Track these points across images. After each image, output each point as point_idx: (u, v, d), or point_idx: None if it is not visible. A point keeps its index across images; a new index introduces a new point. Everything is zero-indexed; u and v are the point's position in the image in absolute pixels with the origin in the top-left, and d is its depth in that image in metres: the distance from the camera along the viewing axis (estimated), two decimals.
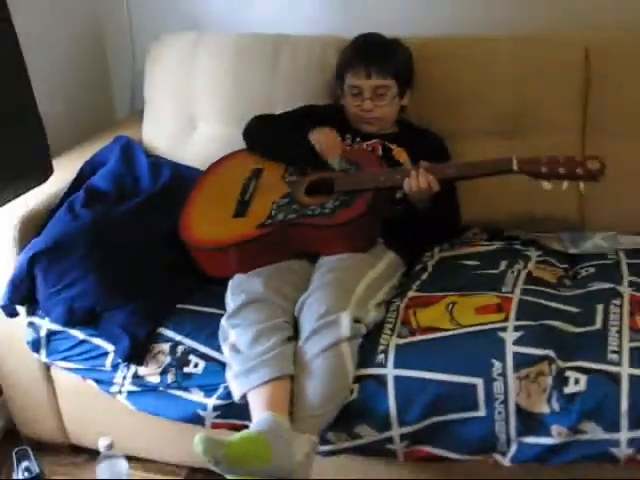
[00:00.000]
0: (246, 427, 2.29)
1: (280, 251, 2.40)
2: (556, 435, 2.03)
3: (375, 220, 2.43)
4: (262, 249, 2.39)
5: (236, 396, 2.16)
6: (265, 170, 2.59)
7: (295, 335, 2.21)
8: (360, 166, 2.48)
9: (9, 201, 2.34)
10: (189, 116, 2.98)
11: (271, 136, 2.64)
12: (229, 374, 2.19)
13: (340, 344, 2.12)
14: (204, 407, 2.29)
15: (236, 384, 2.16)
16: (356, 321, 2.16)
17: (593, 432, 2.01)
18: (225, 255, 2.41)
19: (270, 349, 2.14)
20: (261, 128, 2.69)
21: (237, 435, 2.01)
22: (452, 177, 2.42)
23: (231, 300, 2.29)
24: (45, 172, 2.44)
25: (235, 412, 2.25)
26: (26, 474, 2.32)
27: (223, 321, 2.26)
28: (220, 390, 2.26)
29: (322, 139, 2.48)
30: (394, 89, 2.62)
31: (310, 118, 2.66)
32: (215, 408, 2.28)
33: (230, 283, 2.36)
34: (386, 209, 2.46)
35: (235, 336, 2.21)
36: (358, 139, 2.65)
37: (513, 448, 2.09)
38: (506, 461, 2.11)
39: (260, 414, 2.07)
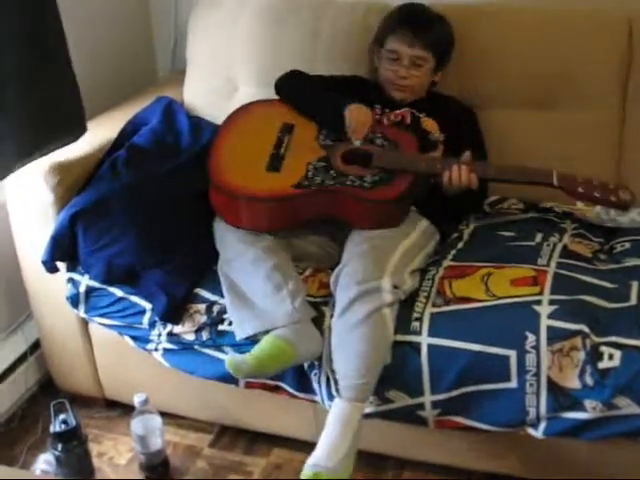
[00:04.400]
0: (279, 387, 2.34)
1: (305, 215, 2.40)
2: (590, 410, 2.05)
3: (409, 203, 2.44)
4: (291, 209, 2.39)
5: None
6: (297, 127, 2.57)
7: None
8: (399, 147, 2.47)
9: (43, 155, 2.38)
10: (230, 77, 2.97)
11: (308, 93, 2.62)
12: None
13: (383, 309, 2.15)
14: None
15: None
16: (394, 287, 2.18)
17: (627, 407, 2.03)
18: (252, 206, 2.39)
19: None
20: (299, 82, 2.67)
21: (258, 345, 2.18)
22: (491, 178, 2.43)
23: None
24: (79, 129, 2.48)
25: None
26: (63, 426, 2.38)
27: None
28: None
29: (354, 116, 2.46)
30: (431, 63, 2.61)
31: (342, 86, 2.66)
32: None
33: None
34: (419, 192, 2.46)
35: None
36: (387, 110, 2.64)
37: (545, 421, 2.11)
38: (538, 434, 2.13)
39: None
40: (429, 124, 2.63)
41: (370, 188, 2.35)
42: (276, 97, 2.71)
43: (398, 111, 2.64)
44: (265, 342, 2.18)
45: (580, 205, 2.52)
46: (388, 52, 2.63)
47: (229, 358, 2.18)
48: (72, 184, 2.53)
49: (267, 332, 2.22)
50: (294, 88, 2.67)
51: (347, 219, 2.38)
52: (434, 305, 2.21)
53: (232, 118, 2.65)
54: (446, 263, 2.36)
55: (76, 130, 2.48)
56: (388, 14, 2.72)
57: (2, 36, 2.16)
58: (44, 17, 2.29)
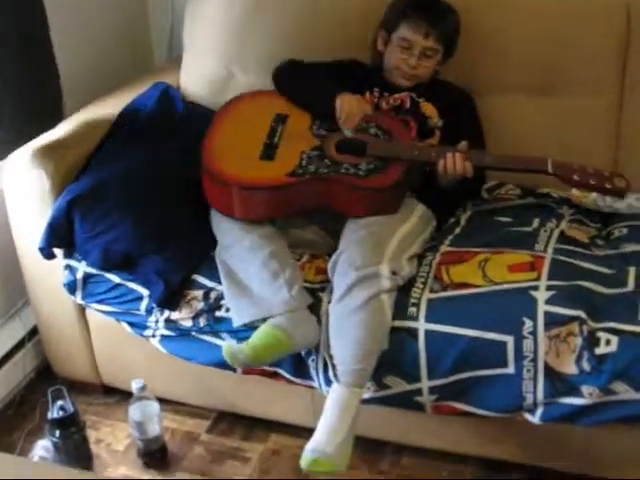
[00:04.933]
0: (276, 373, 2.35)
1: (300, 204, 2.40)
2: (587, 396, 2.05)
3: (403, 190, 2.43)
4: (285, 197, 2.39)
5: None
6: (290, 117, 2.56)
7: None
8: (392, 136, 2.47)
9: (23, 144, 2.38)
10: (227, 64, 2.96)
11: (302, 85, 2.62)
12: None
13: (381, 295, 2.15)
14: None
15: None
16: (392, 273, 2.18)
17: (624, 392, 2.04)
18: (245, 195, 2.38)
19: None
20: (293, 74, 2.67)
21: (254, 333, 2.18)
22: (487, 166, 2.44)
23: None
24: (57, 117, 2.48)
25: None
26: (61, 412, 2.39)
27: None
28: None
29: (345, 106, 2.45)
30: (440, 54, 2.61)
31: (339, 72, 2.65)
32: None
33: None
34: (414, 180, 2.47)
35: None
36: (386, 94, 2.64)
37: (542, 407, 2.12)
38: (535, 419, 2.14)
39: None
40: (428, 109, 2.63)
41: (364, 176, 2.35)
42: (271, 87, 2.71)
43: (397, 95, 2.63)
44: (262, 331, 2.19)
45: (576, 192, 2.52)
46: (400, 40, 2.60)
47: (226, 347, 2.18)
48: (69, 171, 2.52)
49: (264, 319, 2.23)
50: (289, 79, 2.66)
51: (342, 209, 2.38)
52: (431, 291, 2.21)
53: (226, 107, 2.65)
54: (443, 249, 2.37)
55: (54, 117, 2.48)
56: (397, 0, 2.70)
57: None
58: (26, 5, 2.28)
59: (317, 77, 2.62)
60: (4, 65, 2.25)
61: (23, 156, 2.45)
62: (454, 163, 2.33)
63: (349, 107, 2.46)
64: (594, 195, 2.53)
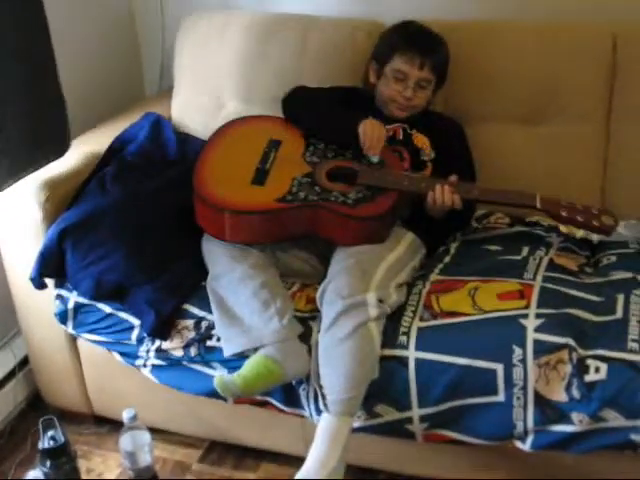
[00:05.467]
0: (267, 402, 2.35)
1: (289, 230, 2.40)
2: (578, 423, 2.05)
3: (392, 220, 2.45)
4: (274, 223, 2.39)
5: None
6: (283, 143, 2.57)
7: None
8: (385, 166, 2.48)
9: (30, 173, 2.39)
10: (218, 94, 2.99)
11: (318, 112, 2.61)
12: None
13: (368, 323, 2.16)
14: None
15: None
16: (380, 301, 2.19)
17: (614, 420, 2.04)
18: (236, 219, 2.38)
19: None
20: (307, 100, 2.66)
21: (245, 364, 2.19)
22: (475, 199, 2.46)
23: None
24: (63, 146, 2.49)
25: None
26: (52, 442, 2.36)
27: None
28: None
29: (368, 131, 2.44)
30: (433, 84, 2.63)
31: (344, 98, 2.67)
32: None
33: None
34: (404, 210, 2.48)
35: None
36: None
37: (532, 434, 2.12)
38: (526, 447, 2.14)
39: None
40: (420, 141, 2.65)
41: (353, 205, 2.36)
42: (261, 113, 2.74)
43: (389, 126, 2.64)
44: (253, 362, 2.19)
45: (563, 227, 2.54)
46: (394, 72, 2.61)
47: (217, 378, 2.19)
48: (61, 200, 2.54)
49: (255, 349, 2.23)
50: (301, 107, 2.65)
51: (330, 236, 2.39)
52: (421, 319, 2.22)
53: (219, 132, 2.66)
54: (433, 277, 2.38)
55: (61, 147, 2.49)
56: (388, 31, 2.73)
57: None
58: (33, 34, 2.30)
59: (333, 104, 2.62)
60: (11, 96, 2.27)
61: (15, 186, 2.46)
62: (442, 195, 2.35)
63: (372, 132, 2.45)
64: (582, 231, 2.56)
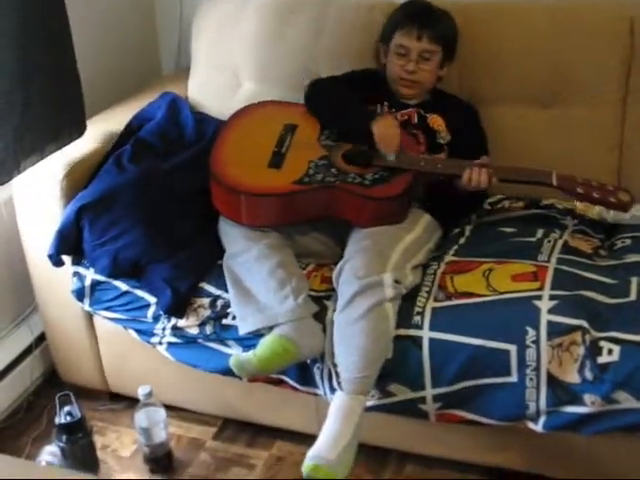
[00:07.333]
0: (282, 381, 2.36)
1: (306, 213, 2.42)
2: (590, 404, 2.06)
3: (408, 201, 2.45)
4: (292, 205, 2.40)
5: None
6: (299, 127, 2.59)
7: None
8: (401, 148, 2.46)
9: (52, 151, 2.42)
10: (234, 74, 2.99)
11: (333, 111, 2.60)
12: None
13: (384, 304, 2.17)
14: None
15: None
16: (396, 282, 2.20)
17: (626, 401, 2.05)
18: (252, 202, 2.40)
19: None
20: (324, 96, 2.66)
21: (260, 343, 2.21)
22: (499, 179, 2.44)
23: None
24: (81, 125, 2.51)
25: None
26: (68, 418, 2.40)
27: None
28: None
29: (383, 131, 2.45)
30: (439, 56, 2.63)
31: (360, 85, 2.67)
32: None
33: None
34: (419, 191, 2.49)
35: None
36: (394, 109, 2.65)
37: (545, 415, 2.13)
38: (538, 427, 2.15)
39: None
40: (437, 122, 2.65)
41: (370, 185, 2.37)
42: (278, 97, 2.78)
43: (404, 111, 2.65)
44: (268, 341, 2.21)
45: (580, 205, 2.55)
46: (396, 47, 2.64)
47: (233, 358, 2.21)
48: (78, 178, 2.55)
49: (270, 328, 2.25)
50: (318, 106, 2.65)
51: (347, 217, 2.40)
52: (436, 300, 2.23)
53: (236, 116, 2.67)
54: (448, 258, 2.38)
55: (78, 128, 2.52)
56: (393, 12, 2.74)
57: (7, 36, 2.20)
58: (51, 15, 2.32)
59: (348, 100, 2.61)
60: (35, 75, 2.30)
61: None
62: (479, 176, 2.35)
63: (387, 131, 2.46)
64: (598, 208, 2.55)
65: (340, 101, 2.61)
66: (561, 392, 2.10)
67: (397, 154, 2.43)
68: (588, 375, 2.05)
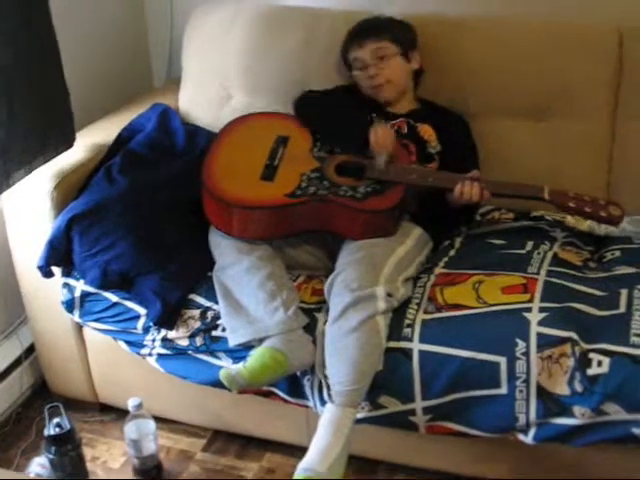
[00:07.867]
0: (272, 393, 2.36)
1: (298, 225, 2.42)
2: (579, 416, 2.07)
3: (400, 214, 2.46)
4: (284, 218, 2.41)
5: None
6: (291, 139, 2.59)
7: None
8: (393, 159, 2.47)
9: (40, 164, 2.42)
10: (225, 86, 2.99)
11: (326, 118, 2.62)
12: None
13: (376, 317, 2.17)
14: None
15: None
16: (388, 295, 2.21)
17: (616, 413, 2.05)
18: (244, 214, 2.40)
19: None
20: (315, 105, 2.69)
21: (250, 356, 2.20)
22: (492, 193, 2.45)
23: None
24: (70, 138, 2.51)
25: None
26: (57, 430, 2.39)
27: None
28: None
29: (379, 136, 2.46)
30: (392, 49, 2.65)
31: (350, 98, 2.70)
32: None
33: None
34: (411, 204, 2.49)
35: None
36: (383, 121, 2.64)
37: (535, 427, 2.13)
38: (528, 439, 2.15)
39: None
40: (427, 132, 2.66)
41: (363, 198, 2.37)
42: (270, 108, 2.77)
43: (394, 122, 2.66)
44: (259, 353, 2.20)
45: (570, 219, 2.56)
46: (353, 63, 2.70)
47: (224, 371, 2.19)
48: (69, 189, 2.55)
49: (260, 340, 2.25)
50: (310, 113, 2.67)
51: (339, 230, 2.40)
52: (426, 312, 2.23)
53: (228, 128, 2.67)
54: (438, 270, 2.39)
55: (67, 139, 2.52)
56: None
57: None
58: (37, 28, 2.33)
59: (339, 113, 2.63)
60: (19, 87, 2.30)
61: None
62: (471, 189, 2.36)
63: (383, 134, 2.47)
64: (589, 222, 2.56)
65: (329, 110, 2.64)
66: (551, 404, 2.10)
67: (388, 160, 2.43)
68: (578, 387, 2.06)
